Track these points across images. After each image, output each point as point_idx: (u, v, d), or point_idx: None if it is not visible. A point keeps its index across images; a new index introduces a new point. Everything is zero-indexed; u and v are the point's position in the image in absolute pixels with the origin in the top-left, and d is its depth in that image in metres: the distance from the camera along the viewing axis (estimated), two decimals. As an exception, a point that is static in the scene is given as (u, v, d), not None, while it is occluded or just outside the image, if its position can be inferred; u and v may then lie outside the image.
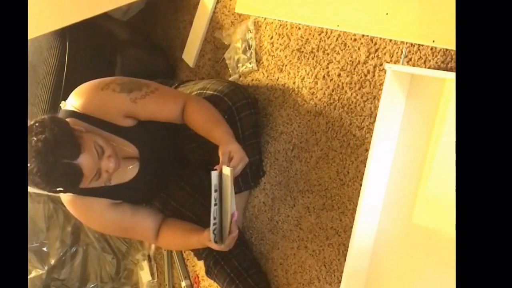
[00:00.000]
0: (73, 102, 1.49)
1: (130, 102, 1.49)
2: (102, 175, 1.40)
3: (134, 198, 1.64)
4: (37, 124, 1.32)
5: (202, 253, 1.70)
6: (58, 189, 1.38)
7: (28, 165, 1.27)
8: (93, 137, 1.38)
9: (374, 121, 1.33)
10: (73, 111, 1.48)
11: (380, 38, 1.37)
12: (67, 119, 1.46)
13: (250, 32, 1.80)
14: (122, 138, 1.53)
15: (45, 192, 2.19)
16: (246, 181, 1.74)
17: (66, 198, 1.55)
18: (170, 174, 1.72)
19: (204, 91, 1.66)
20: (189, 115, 1.53)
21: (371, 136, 1.33)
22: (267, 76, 1.75)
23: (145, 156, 1.58)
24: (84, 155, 1.33)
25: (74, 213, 1.60)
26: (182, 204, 1.72)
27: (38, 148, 1.27)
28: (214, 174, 1.35)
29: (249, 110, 1.66)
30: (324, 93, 1.53)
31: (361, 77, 1.42)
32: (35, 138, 1.28)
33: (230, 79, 1.85)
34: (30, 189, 2.20)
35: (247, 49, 1.81)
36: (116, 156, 1.44)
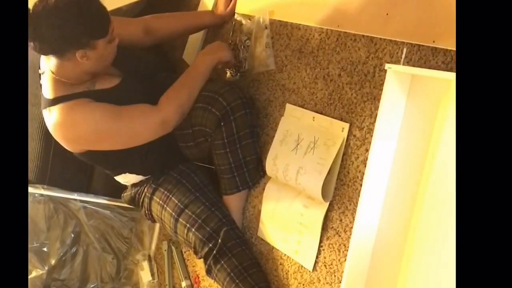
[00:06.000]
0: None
1: None
2: (116, 40, 1.58)
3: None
4: None
5: (202, 252, 1.70)
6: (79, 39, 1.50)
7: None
8: None
9: (375, 121, 1.33)
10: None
11: (380, 38, 1.37)
12: None
13: (267, 28, 1.75)
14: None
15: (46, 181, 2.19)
16: (244, 180, 1.75)
17: (54, 117, 1.61)
18: (151, 97, 1.70)
19: (201, 92, 1.70)
20: (153, 23, 1.89)
21: (372, 136, 1.33)
22: (267, 76, 1.75)
23: (126, 74, 1.72)
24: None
25: (63, 127, 1.62)
26: (181, 201, 1.74)
27: None
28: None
29: (244, 110, 1.67)
30: (324, 93, 1.53)
31: (361, 77, 1.42)
32: None
33: (230, 80, 1.85)
34: (31, 189, 2.20)
35: (266, 46, 1.76)
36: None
